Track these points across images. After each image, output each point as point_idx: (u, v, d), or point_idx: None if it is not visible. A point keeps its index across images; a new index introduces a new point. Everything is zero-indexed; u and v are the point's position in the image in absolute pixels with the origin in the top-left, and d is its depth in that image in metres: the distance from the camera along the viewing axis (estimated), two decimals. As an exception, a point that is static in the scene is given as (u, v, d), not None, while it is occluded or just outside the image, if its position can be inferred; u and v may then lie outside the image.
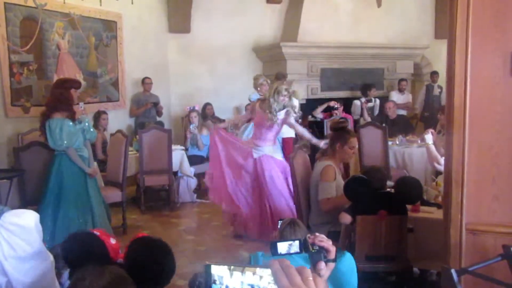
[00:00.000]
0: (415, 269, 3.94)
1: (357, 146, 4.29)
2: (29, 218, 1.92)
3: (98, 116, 6.90)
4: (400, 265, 3.55)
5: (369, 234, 3.47)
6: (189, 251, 5.17)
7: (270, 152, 5.28)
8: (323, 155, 4.37)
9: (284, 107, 5.20)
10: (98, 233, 1.54)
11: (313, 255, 1.28)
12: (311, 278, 0.91)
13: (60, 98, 4.60)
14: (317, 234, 1.35)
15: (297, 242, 1.29)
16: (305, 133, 5.45)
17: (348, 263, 2.02)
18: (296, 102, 7.33)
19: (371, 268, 3.56)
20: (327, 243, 1.33)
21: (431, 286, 3.91)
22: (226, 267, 0.97)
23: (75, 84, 4.87)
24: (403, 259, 3.54)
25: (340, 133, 4.22)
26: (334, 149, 4.21)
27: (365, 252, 3.49)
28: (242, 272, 0.96)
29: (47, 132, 4.59)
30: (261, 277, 0.95)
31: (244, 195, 5.26)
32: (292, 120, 5.28)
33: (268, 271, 0.94)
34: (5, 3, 5.93)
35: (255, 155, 5.24)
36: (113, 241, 1.54)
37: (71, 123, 4.64)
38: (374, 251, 3.49)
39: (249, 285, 0.95)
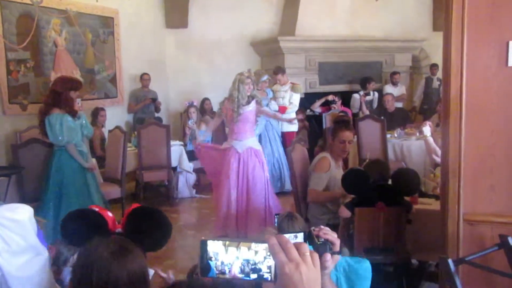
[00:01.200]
0: (414, 261, 3.96)
1: (350, 139, 4.24)
2: (23, 213, 1.93)
3: (96, 113, 6.90)
4: (399, 257, 3.56)
5: (368, 226, 3.48)
6: (188, 246, 5.19)
7: (253, 144, 5.14)
8: (322, 149, 4.39)
9: (252, 98, 5.05)
10: (96, 209, 1.65)
11: (318, 247, 1.29)
12: (308, 253, 0.91)
13: (60, 97, 4.59)
14: (322, 226, 1.37)
15: (301, 234, 1.30)
16: (277, 114, 5.76)
17: (366, 269, 2.17)
18: (297, 97, 7.36)
19: (370, 260, 3.56)
20: (332, 235, 1.35)
21: (430, 277, 3.92)
22: (221, 242, 0.97)
23: (75, 84, 4.78)
24: (401, 250, 3.55)
25: (334, 127, 4.24)
26: (330, 143, 4.25)
27: (363, 244, 3.50)
28: (237, 247, 0.97)
29: (47, 127, 4.58)
30: (256, 252, 0.96)
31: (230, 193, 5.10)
32: (261, 107, 5.25)
33: (263, 246, 0.95)
34: (0, 0, 5.92)
35: (240, 150, 5.05)
36: (109, 214, 1.63)
37: (70, 119, 4.64)
38: (372, 243, 3.50)
39: (244, 260, 0.96)
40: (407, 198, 3.59)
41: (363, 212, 3.47)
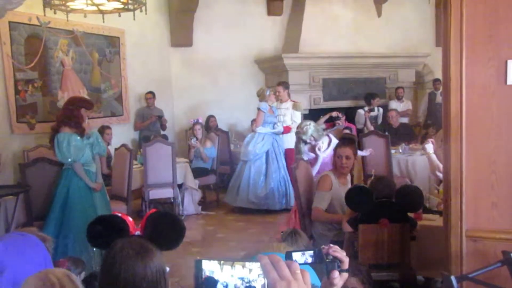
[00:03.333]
0: (420, 277, 3.95)
1: (347, 155, 4.25)
2: None
3: (102, 131, 6.97)
4: (404, 273, 3.56)
5: (372, 243, 3.49)
6: (194, 263, 5.19)
7: None
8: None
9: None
10: (119, 214, 1.85)
11: (327, 264, 1.31)
12: (299, 272, 0.95)
13: (70, 115, 4.68)
14: (331, 245, 1.39)
15: (310, 252, 1.33)
16: None
17: None
18: (298, 115, 7.40)
19: (375, 276, 3.56)
20: (341, 253, 1.36)
21: (436, 294, 3.91)
22: (216, 261, 1.01)
23: (87, 104, 4.94)
24: (406, 267, 3.56)
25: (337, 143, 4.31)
26: (334, 160, 4.29)
27: (368, 261, 3.51)
28: (232, 266, 1.00)
29: (55, 145, 4.66)
30: (250, 270, 0.99)
31: None
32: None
33: (257, 264, 0.98)
34: (9, 22, 6.04)
35: None
36: (130, 218, 1.82)
37: (78, 138, 4.71)
38: (377, 259, 3.51)
39: (239, 278, 0.99)
40: (411, 215, 3.61)
41: (366, 228, 3.48)
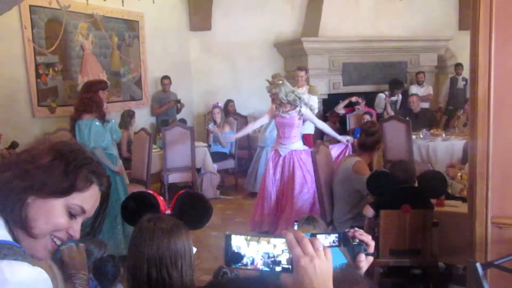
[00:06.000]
0: (441, 264, 3.90)
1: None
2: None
3: (128, 117, 6.99)
4: (425, 260, 3.53)
5: (393, 229, 3.46)
6: (213, 246, 5.22)
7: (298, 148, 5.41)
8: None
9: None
10: (151, 192, 1.93)
11: (354, 247, 1.34)
12: (321, 248, 1.02)
13: (90, 102, 4.69)
14: (356, 228, 1.39)
15: (335, 235, 1.33)
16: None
17: None
18: (315, 99, 7.32)
19: (396, 262, 3.55)
20: (367, 237, 1.37)
21: (457, 281, 3.87)
22: (243, 237, 1.06)
23: (102, 85, 4.93)
24: (428, 253, 3.52)
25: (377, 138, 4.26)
26: (366, 149, 4.23)
27: (389, 246, 3.48)
28: (258, 241, 1.05)
29: (76, 133, 4.68)
30: (275, 245, 1.04)
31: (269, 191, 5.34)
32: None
33: (281, 240, 1.04)
34: (30, 5, 6.07)
35: (282, 153, 5.35)
36: (161, 198, 1.90)
37: (98, 123, 4.73)
38: (398, 245, 3.48)
39: (264, 253, 1.04)
40: (433, 201, 3.55)
41: (388, 214, 3.45)
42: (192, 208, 1.89)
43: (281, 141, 5.43)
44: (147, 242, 1.70)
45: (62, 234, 1.15)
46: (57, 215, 1.12)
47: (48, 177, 1.11)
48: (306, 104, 5.37)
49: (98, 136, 4.69)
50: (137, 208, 1.85)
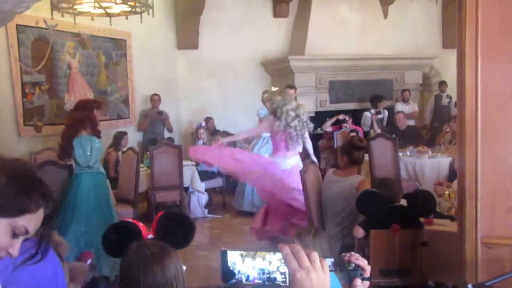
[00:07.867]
0: (430, 282, 3.90)
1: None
2: None
3: (121, 137, 6.95)
4: (415, 279, 3.52)
5: (383, 248, 3.45)
6: (201, 266, 5.16)
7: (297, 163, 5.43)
8: (333, 167, 4.40)
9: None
10: (130, 220, 1.92)
11: (350, 272, 1.33)
12: (318, 261, 1.01)
13: (85, 119, 4.67)
14: (352, 253, 1.39)
15: (329, 260, 1.32)
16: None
17: None
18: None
19: (386, 282, 3.54)
20: (363, 262, 1.36)
21: (447, 300, 3.86)
22: (238, 252, 1.07)
23: (97, 104, 4.98)
24: (418, 272, 3.52)
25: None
26: (354, 164, 4.26)
27: (379, 266, 3.47)
28: (253, 258, 1.06)
29: (76, 148, 4.61)
30: (270, 262, 1.05)
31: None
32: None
33: (277, 256, 1.04)
34: (17, 25, 6.04)
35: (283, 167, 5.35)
36: (141, 223, 1.88)
37: (97, 140, 4.72)
38: (388, 265, 3.47)
39: (260, 269, 1.05)
40: (422, 219, 3.57)
41: (378, 234, 3.45)
42: (175, 228, 1.88)
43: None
44: (141, 271, 1.68)
45: (2, 252, 1.16)
46: (0, 235, 1.13)
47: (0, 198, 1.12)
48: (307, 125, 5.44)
49: (98, 154, 4.70)
50: (120, 239, 1.82)
